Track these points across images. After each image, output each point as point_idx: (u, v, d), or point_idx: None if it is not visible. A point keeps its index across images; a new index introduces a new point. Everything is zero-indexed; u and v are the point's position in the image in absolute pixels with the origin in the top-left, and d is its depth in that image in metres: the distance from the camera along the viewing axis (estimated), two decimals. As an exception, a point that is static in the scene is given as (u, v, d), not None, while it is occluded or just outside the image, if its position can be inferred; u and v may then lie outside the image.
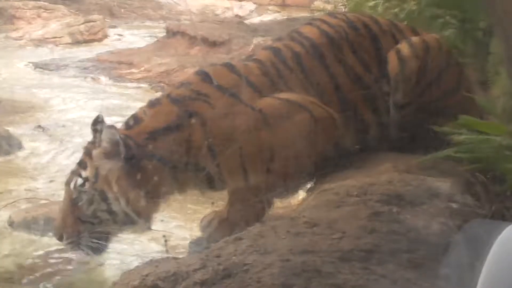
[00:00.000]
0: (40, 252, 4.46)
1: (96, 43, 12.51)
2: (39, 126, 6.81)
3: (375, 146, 4.79)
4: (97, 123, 4.34)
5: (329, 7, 11.85)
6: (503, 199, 3.68)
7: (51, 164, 5.97)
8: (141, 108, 4.62)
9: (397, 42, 4.82)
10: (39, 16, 14.14)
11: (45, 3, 15.03)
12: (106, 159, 4.18)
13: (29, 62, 9.49)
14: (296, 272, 2.70)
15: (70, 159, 5.96)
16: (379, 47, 4.79)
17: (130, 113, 7.47)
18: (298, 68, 4.58)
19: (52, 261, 4.40)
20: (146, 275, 2.88)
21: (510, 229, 2.17)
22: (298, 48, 4.66)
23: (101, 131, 4.20)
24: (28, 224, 4.64)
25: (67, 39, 12.66)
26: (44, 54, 10.69)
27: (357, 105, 4.66)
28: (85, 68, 9.77)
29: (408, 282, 2.77)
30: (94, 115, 7.23)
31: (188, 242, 4.42)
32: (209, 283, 2.65)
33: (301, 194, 4.95)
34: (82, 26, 12.88)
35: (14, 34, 11.83)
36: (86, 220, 4.16)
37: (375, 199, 3.44)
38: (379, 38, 4.83)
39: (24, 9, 14.59)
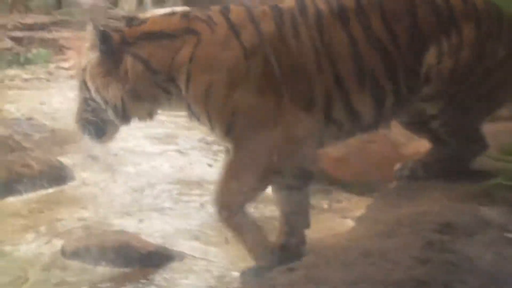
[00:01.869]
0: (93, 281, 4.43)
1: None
2: (91, 156, 6.83)
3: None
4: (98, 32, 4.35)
5: None
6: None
7: (103, 193, 5.97)
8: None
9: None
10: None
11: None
12: (91, 51, 4.42)
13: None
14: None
15: (121, 188, 6.02)
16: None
17: (178, 140, 7.59)
18: (315, 27, 4.39)
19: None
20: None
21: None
22: (322, 6, 4.46)
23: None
24: (80, 254, 4.63)
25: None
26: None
27: (374, 74, 4.43)
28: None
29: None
30: (145, 143, 7.36)
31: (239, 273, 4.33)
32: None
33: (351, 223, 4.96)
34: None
35: (65, 64, 11.92)
36: (85, 109, 4.50)
37: (428, 229, 3.41)
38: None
39: (74, 39, 14.76)
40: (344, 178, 5.77)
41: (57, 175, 6.06)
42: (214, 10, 4.47)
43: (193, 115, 4.45)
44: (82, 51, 4.54)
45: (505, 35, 4.60)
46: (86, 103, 4.50)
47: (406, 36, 4.46)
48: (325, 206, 4.89)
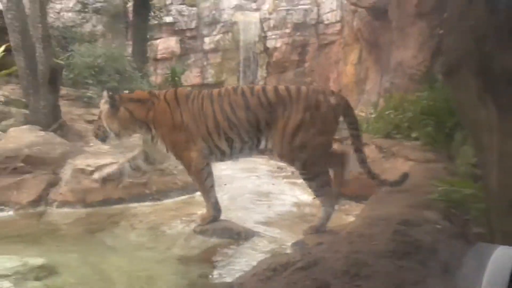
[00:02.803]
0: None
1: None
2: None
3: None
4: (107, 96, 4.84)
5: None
6: (468, 224, 3.54)
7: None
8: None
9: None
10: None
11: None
12: (104, 104, 4.84)
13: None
14: (352, 263, 2.65)
15: (225, 196, 5.98)
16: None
17: (256, 170, 7.59)
18: (205, 103, 4.68)
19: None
20: (271, 263, 2.87)
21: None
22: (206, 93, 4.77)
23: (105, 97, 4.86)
24: (203, 232, 4.61)
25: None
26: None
27: (225, 131, 4.61)
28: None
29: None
30: (238, 172, 7.36)
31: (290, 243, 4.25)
32: (305, 268, 2.61)
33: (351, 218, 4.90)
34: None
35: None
36: (99, 131, 4.86)
37: (394, 222, 3.35)
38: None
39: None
40: (347, 192, 5.71)
41: (190, 189, 6.01)
42: (160, 92, 4.98)
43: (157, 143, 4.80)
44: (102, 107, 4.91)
45: (322, 117, 4.41)
46: (99, 128, 4.88)
47: (243, 114, 4.53)
48: (336, 207, 4.82)
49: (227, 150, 4.68)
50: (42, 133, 6.09)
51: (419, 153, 5.90)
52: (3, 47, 8.63)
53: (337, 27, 18.56)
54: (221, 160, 4.85)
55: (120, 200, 5.59)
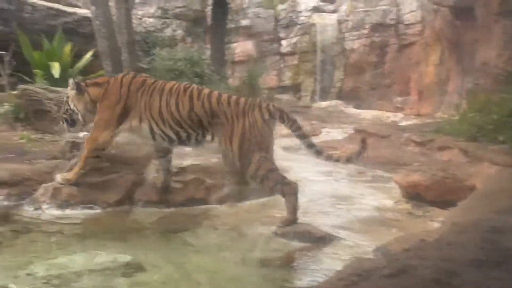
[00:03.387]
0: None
1: (315, 136, 12.60)
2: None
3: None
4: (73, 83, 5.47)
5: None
6: None
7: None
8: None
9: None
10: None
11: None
12: (71, 90, 5.45)
13: (281, 146, 9.59)
14: (442, 272, 2.55)
15: (304, 199, 5.93)
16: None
17: (334, 174, 7.52)
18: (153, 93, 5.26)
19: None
20: (356, 268, 2.82)
21: None
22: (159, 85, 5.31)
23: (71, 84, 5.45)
24: (285, 234, 4.61)
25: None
26: (289, 142, 10.79)
27: (170, 123, 5.16)
28: (310, 150, 9.79)
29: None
30: (316, 176, 7.32)
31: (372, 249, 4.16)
32: (393, 276, 2.55)
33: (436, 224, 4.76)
34: (309, 126, 13.05)
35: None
36: (65, 114, 5.51)
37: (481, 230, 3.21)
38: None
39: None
40: (431, 197, 5.54)
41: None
42: (120, 75, 5.52)
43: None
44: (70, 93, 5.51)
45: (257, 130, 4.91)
46: (66, 111, 5.49)
47: (186, 113, 5.09)
48: (421, 213, 4.70)
49: (174, 138, 5.24)
50: (127, 134, 6.29)
51: (506, 157, 5.65)
52: (90, 52, 9.04)
53: (418, 27, 18.11)
54: (172, 145, 5.39)
55: (202, 201, 5.67)
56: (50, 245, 4.31)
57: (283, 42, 20.35)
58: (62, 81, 8.69)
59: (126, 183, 5.56)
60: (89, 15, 10.31)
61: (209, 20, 20.02)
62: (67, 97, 5.51)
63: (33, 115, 7.88)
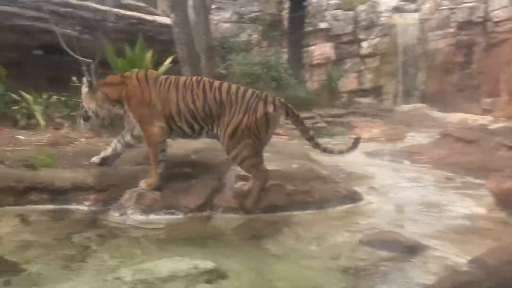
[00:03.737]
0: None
1: (399, 141, 12.35)
2: (371, 187, 6.71)
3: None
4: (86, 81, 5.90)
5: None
6: None
7: (379, 209, 5.81)
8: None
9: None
10: (367, 126, 14.28)
11: (370, 118, 15.19)
12: (84, 88, 5.86)
13: (363, 152, 9.48)
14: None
15: (389, 207, 5.85)
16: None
17: (421, 180, 7.31)
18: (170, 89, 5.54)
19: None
20: (453, 280, 2.69)
21: None
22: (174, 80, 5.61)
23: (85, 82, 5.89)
24: (371, 243, 4.50)
25: (383, 139, 12.67)
26: (372, 147, 10.65)
27: (185, 115, 5.50)
28: (394, 155, 9.63)
29: None
30: (402, 182, 7.15)
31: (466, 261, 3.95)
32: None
33: None
34: (392, 131, 12.82)
35: (353, 136, 11.98)
36: (82, 112, 5.93)
37: None
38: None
39: (359, 121, 14.83)
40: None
41: (353, 197, 5.97)
42: (132, 73, 5.80)
43: (129, 117, 5.71)
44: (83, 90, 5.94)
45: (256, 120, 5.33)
46: (81, 108, 5.92)
47: (201, 105, 5.43)
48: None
49: (188, 131, 5.58)
50: (208, 140, 6.39)
51: None
52: (170, 59, 9.27)
53: (509, 24, 17.27)
54: (183, 137, 5.74)
55: (283, 207, 5.63)
56: (135, 250, 4.42)
57: (363, 44, 20.06)
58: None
59: (206, 188, 5.63)
60: (168, 22, 10.62)
61: (285, 24, 20.09)
62: (82, 96, 5.91)
63: (119, 121, 8.17)
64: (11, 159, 6.08)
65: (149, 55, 9.00)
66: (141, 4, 12.55)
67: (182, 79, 5.64)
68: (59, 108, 9.04)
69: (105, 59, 8.70)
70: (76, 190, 5.62)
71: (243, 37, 20.32)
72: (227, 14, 21.10)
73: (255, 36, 21.08)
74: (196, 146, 6.20)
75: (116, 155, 6.04)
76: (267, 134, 5.47)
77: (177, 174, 5.72)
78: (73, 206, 5.54)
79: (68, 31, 9.84)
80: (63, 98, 9.03)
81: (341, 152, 5.77)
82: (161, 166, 5.57)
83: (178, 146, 6.16)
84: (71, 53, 8.73)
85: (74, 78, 8.63)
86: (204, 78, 5.70)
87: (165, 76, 5.74)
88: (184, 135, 5.65)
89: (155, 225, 5.10)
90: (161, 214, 5.30)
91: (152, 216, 5.26)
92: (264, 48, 20.62)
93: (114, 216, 5.27)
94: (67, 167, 6.06)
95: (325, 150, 5.70)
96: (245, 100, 5.33)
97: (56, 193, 5.57)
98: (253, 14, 21.29)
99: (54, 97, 8.76)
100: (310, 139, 5.68)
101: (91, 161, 6.05)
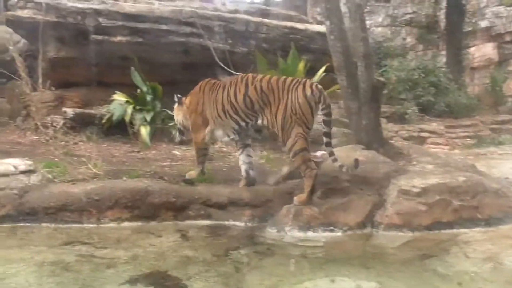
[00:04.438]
0: None
1: None
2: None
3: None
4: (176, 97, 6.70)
5: None
6: None
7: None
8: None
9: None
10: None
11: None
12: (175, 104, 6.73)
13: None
14: None
15: None
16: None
17: None
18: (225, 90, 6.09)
19: None
20: None
21: None
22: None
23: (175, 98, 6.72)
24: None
25: None
26: None
27: (229, 112, 6.02)
28: None
29: None
30: None
31: None
32: None
33: None
34: None
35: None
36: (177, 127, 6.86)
37: None
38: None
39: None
40: None
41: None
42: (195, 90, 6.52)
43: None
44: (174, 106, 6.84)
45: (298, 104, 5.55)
46: (176, 123, 6.84)
47: (241, 98, 5.88)
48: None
49: (236, 126, 6.04)
50: (365, 152, 6.26)
51: None
52: (323, 68, 9.27)
53: None
54: (235, 133, 6.13)
55: (449, 224, 5.37)
56: (294, 268, 4.43)
57: (530, 42, 18.73)
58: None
59: (366, 204, 5.52)
60: (320, 30, 10.64)
61: (442, 25, 19.35)
62: (174, 111, 6.78)
63: (269, 135, 8.34)
64: (169, 175, 6.45)
65: (301, 65, 9.10)
66: (292, 13, 12.77)
67: (231, 78, 6.35)
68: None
69: (257, 71, 8.93)
70: (232, 206, 5.79)
71: (397, 41, 19.87)
72: (379, 18, 20.78)
73: (409, 40, 20.55)
74: (354, 158, 6.07)
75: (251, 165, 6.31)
76: (311, 119, 5.60)
77: (335, 189, 5.66)
78: (229, 222, 5.71)
79: (220, 45, 10.25)
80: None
81: (341, 167, 5.63)
82: (203, 165, 6.49)
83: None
84: (224, 67, 9.07)
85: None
86: (249, 74, 6.14)
87: (219, 81, 6.47)
88: (234, 132, 6.13)
89: (313, 243, 5.08)
90: (319, 231, 5.26)
91: (310, 233, 5.23)
92: (420, 51, 20.03)
93: (271, 232, 5.32)
94: (222, 182, 6.27)
95: (330, 155, 5.67)
96: (285, 86, 5.64)
97: (213, 209, 5.78)
98: (407, 17, 20.78)
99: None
100: (326, 135, 5.64)
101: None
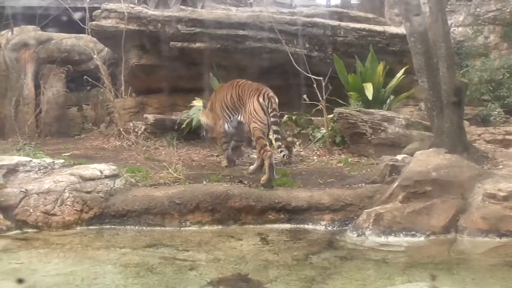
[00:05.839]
0: None
1: None
2: None
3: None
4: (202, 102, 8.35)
5: None
6: None
7: None
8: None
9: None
10: None
11: None
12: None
13: None
14: None
15: None
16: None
17: None
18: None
19: None
20: None
21: None
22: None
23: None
24: None
25: None
26: None
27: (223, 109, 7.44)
28: None
29: None
30: None
31: None
32: None
33: None
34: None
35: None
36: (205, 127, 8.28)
37: None
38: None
39: None
40: None
41: None
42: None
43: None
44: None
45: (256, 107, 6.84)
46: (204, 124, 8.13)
47: (229, 99, 7.26)
48: None
49: (229, 119, 7.35)
50: (449, 155, 6.11)
51: None
52: (402, 70, 9.15)
53: None
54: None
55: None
56: (376, 273, 4.39)
57: None
58: (375, 103, 8.99)
59: (450, 208, 5.40)
60: (399, 32, 10.49)
61: (529, 20, 18.52)
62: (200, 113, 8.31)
63: (349, 138, 8.30)
64: (248, 179, 6.57)
65: (380, 67, 9.01)
66: (370, 15, 12.57)
67: (230, 83, 7.44)
68: (290, 126, 9.49)
69: (335, 75, 8.92)
70: (312, 210, 5.84)
71: (480, 40, 19.19)
72: (460, 17, 20.15)
73: (492, 38, 19.78)
74: (436, 162, 5.94)
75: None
76: (267, 117, 6.75)
77: (417, 193, 5.55)
78: (309, 226, 5.77)
79: (297, 49, 10.28)
80: (293, 117, 9.45)
81: (284, 156, 6.92)
82: (227, 151, 7.69)
83: (417, 163, 6.00)
84: (302, 71, 9.10)
85: (305, 97, 9.02)
86: (238, 79, 7.36)
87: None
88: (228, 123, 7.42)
89: (395, 248, 5.03)
90: (400, 236, 5.22)
91: (391, 238, 5.20)
92: (505, 50, 19.21)
93: (351, 237, 5.33)
94: (302, 186, 6.32)
95: (278, 147, 6.79)
96: (251, 94, 6.90)
97: (293, 213, 5.85)
98: (490, 14, 20.02)
99: (285, 116, 9.19)
100: (276, 132, 6.86)
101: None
